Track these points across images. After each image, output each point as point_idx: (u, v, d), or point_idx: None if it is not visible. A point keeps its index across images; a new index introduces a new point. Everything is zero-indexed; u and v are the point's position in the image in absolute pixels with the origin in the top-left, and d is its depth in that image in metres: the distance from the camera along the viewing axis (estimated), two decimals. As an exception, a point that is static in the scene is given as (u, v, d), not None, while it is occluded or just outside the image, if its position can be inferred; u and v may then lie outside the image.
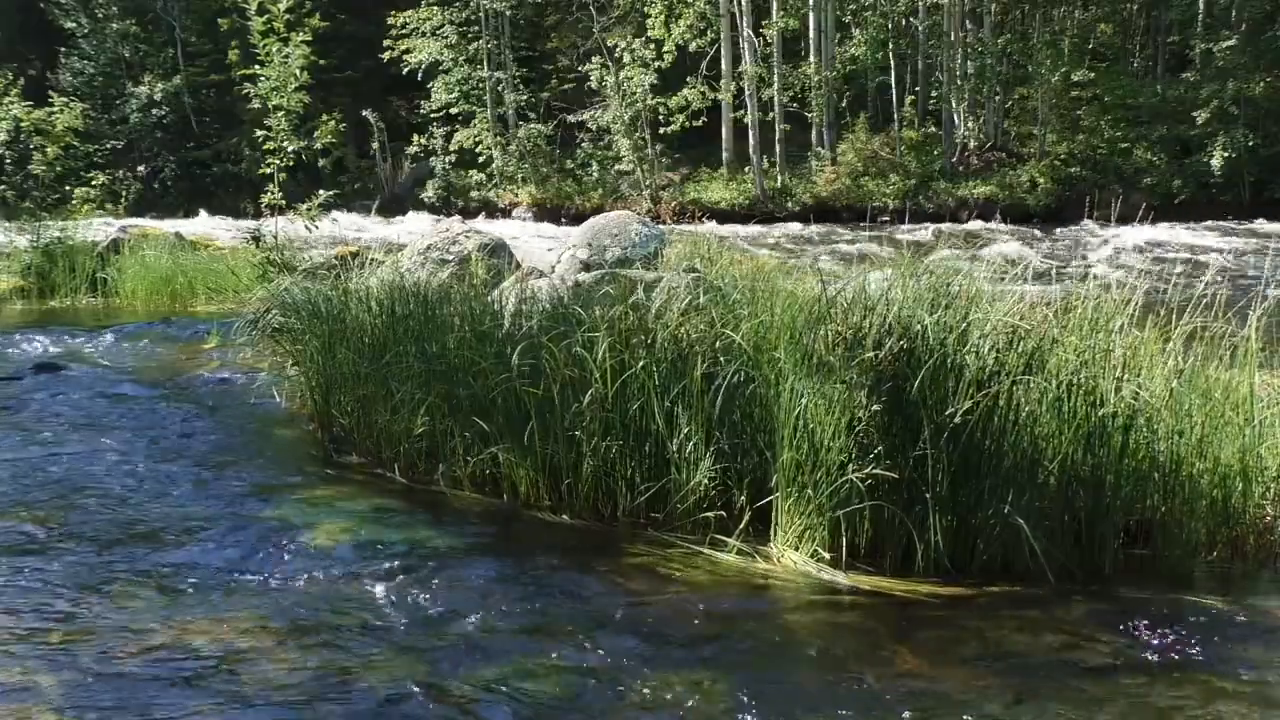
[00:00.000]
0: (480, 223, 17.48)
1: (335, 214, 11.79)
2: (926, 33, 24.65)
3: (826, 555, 3.60)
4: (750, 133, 23.99)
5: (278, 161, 10.49)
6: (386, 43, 27.89)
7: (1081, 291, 3.95)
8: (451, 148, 27.74)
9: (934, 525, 3.51)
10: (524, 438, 4.25)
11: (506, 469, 4.37)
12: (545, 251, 9.59)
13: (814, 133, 24.94)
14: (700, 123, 23.92)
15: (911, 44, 25.16)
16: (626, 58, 24.27)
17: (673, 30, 23.65)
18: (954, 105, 24.12)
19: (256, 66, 10.54)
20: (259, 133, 10.89)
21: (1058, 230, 18.98)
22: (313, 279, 6.47)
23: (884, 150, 24.64)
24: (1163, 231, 16.55)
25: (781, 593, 3.52)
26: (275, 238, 10.50)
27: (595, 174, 26.45)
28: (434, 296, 5.13)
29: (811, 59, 24.11)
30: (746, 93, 23.93)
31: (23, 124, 11.89)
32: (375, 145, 27.98)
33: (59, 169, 11.84)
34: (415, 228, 17.56)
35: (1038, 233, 18.55)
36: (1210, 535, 3.70)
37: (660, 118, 24.18)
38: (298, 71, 10.34)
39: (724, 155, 25.19)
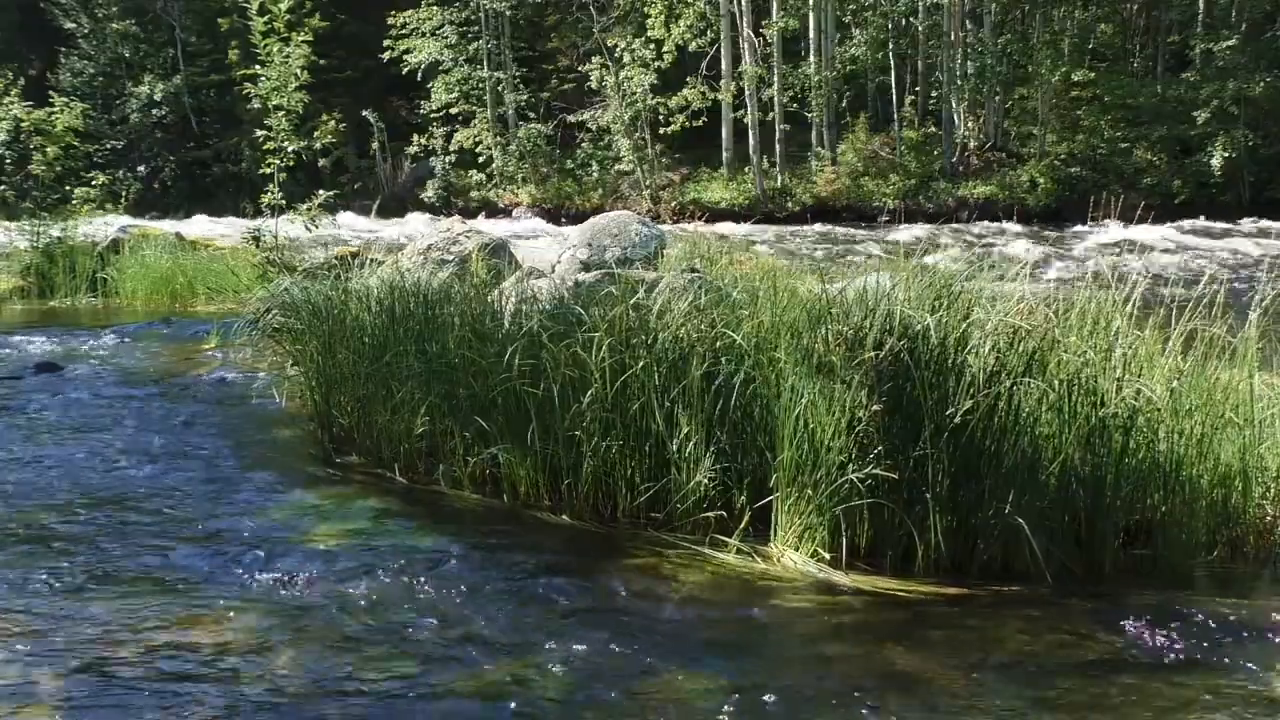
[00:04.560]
0: (480, 223, 17.48)
1: (335, 214, 11.78)
2: (926, 33, 24.64)
3: (826, 555, 3.60)
4: (750, 133, 23.99)
5: (278, 161, 10.49)
6: (386, 43, 27.89)
7: (1081, 292, 3.95)
8: (451, 148, 27.74)
9: (934, 525, 3.51)
10: (524, 438, 4.25)
11: (506, 469, 4.37)
12: (545, 251, 9.59)
13: (814, 133, 24.94)
14: (700, 123, 23.91)
15: (911, 44, 25.15)
16: (626, 58, 24.27)
17: (673, 30, 23.64)
18: (954, 105, 24.12)
19: (257, 66, 10.54)
20: (259, 133, 10.90)
21: (1058, 230, 18.98)
22: (313, 279, 6.47)
23: (884, 150, 24.64)
24: (1163, 231, 16.55)
25: (781, 593, 3.52)
26: (275, 238, 10.51)
27: (595, 174, 26.46)
28: (434, 296, 5.13)
29: (811, 59, 24.11)
30: (746, 93, 23.93)
31: (23, 124, 11.90)
32: (375, 145, 27.99)
33: (59, 169, 11.84)
34: (415, 228, 17.58)
35: (1038, 231, 18.55)
36: (1210, 535, 3.70)
37: (660, 118, 24.17)
38: (298, 71, 10.35)
39: (724, 155, 25.19)
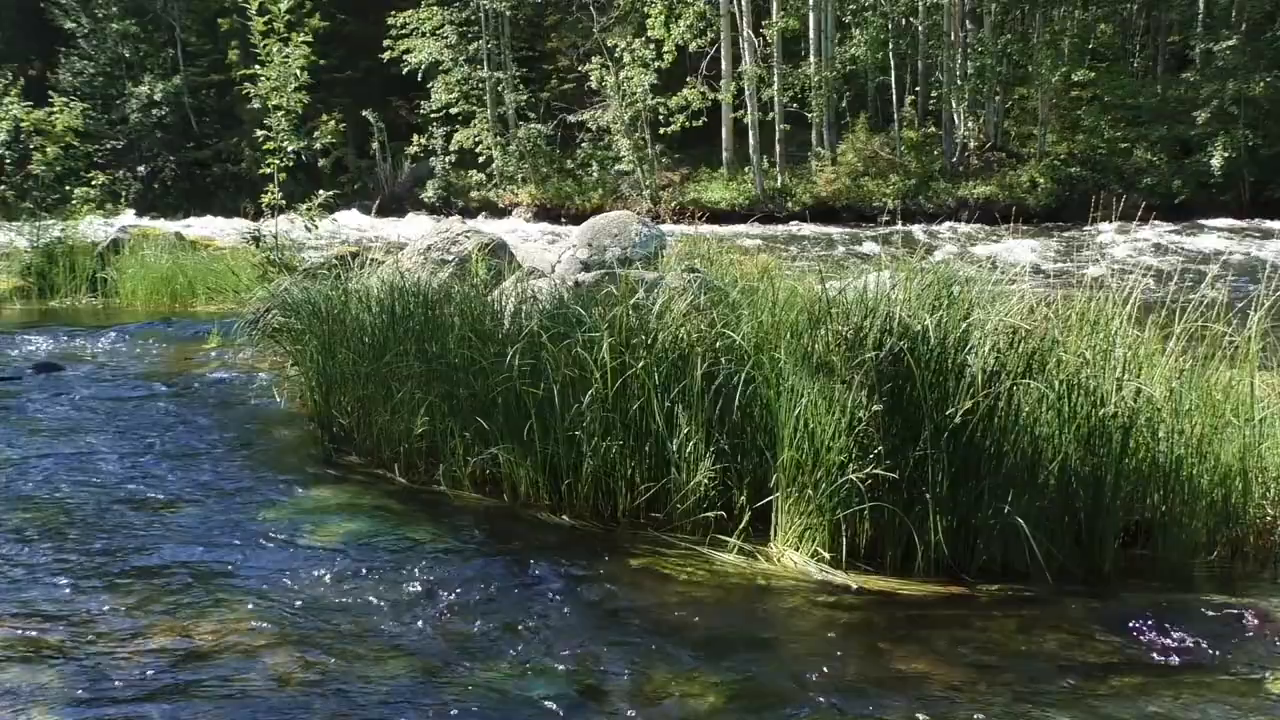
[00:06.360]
0: (480, 223, 17.48)
1: (335, 214, 11.79)
2: (926, 33, 24.64)
3: (827, 555, 3.60)
4: (750, 133, 24.00)
5: (278, 161, 10.49)
6: (386, 43, 27.90)
7: (1081, 292, 3.95)
8: (451, 148, 27.76)
9: (934, 525, 3.51)
10: (524, 438, 4.25)
11: (506, 469, 4.37)
12: (545, 251, 9.59)
13: (814, 133, 24.94)
14: (700, 123, 23.92)
15: (911, 44, 25.15)
16: (626, 58, 24.28)
17: (673, 30, 23.65)
18: (954, 105, 24.12)
19: (256, 66, 10.55)
20: (259, 133, 10.90)
21: (1058, 230, 18.97)
22: (313, 279, 6.47)
23: (884, 150, 24.64)
24: (1162, 232, 16.54)
25: (781, 593, 3.52)
26: (275, 238, 10.51)
27: (595, 174, 26.47)
28: (434, 296, 5.13)
29: (811, 59, 24.12)
30: (746, 93, 23.93)
31: (23, 124, 11.90)
32: (375, 145, 28.01)
33: (59, 169, 11.84)
34: (415, 228, 17.58)
35: (1038, 231, 18.54)
36: (1210, 535, 3.70)
37: (660, 118, 24.19)
38: (298, 71, 10.35)
39: (724, 155, 25.20)
